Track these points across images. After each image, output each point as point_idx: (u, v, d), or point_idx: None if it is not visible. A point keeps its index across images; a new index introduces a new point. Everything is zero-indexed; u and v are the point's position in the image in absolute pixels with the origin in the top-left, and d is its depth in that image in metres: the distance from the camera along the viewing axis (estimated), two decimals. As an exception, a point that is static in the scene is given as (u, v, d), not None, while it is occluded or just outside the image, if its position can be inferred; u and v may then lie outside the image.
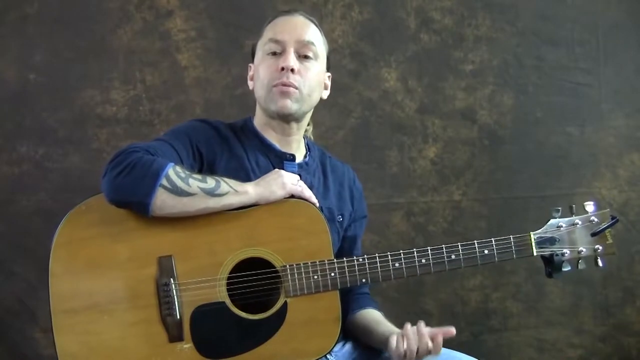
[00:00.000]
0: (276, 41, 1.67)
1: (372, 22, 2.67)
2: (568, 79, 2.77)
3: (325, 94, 1.79)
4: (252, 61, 1.76)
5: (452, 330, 1.54)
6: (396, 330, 1.61)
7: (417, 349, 1.52)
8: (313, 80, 1.69)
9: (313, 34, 1.69)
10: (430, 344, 1.51)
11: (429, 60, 2.71)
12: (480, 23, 2.73)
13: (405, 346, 1.51)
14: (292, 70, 1.64)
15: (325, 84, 1.77)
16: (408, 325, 1.54)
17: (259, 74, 1.70)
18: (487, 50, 2.73)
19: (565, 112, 2.78)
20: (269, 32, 1.70)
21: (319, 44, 1.70)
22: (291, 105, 1.66)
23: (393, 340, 1.53)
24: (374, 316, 1.75)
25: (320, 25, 1.75)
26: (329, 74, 1.79)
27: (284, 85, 1.64)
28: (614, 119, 2.80)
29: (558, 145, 2.78)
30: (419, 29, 2.70)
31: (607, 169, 2.80)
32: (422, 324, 1.54)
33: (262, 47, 1.70)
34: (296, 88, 1.65)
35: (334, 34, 2.62)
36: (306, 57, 1.67)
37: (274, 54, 1.67)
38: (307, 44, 1.67)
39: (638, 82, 2.80)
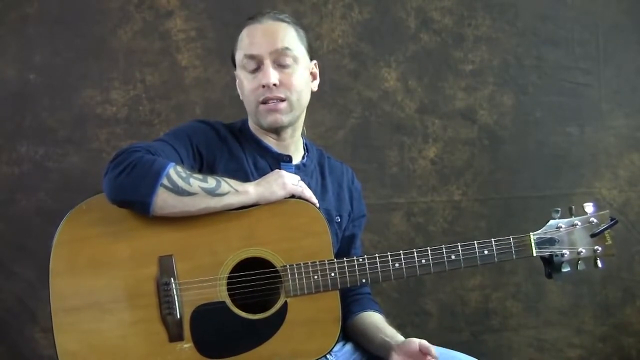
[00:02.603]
0: (251, 56, 1.64)
1: (372, 22, 2.67)
2: (568, 79, 2.77)
3: (315, 85, 1.76)
4: (234, 67, 1.73)
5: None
6: (397, 338, 1.61)
7: None
8: (298, 84, 1.66)
9: (286, 38, 1.65)
10: None
11: (429, 60, 2.71)
12: (480, 23, 2.73)
13: None
14: (275, 84, 1.62)
15: (312, 73, 1.74)
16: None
17: (243, 89, 1.68)
18: (487, 50, 2.73)
19: (565, 112, 2.77)
20: (243, 46, 1.66)
21: (295, 45, 1.66)
22: (282, 119, 1.65)
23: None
24: (374, 321, 1.73)
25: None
26: (314, 61, 1.75)
27: (270, 100, 1.63)
28: (614, 119, 2.80)
29: (558, 145, 2.78)
30: (419, 29, 2.70)
31: (607, 169, 2.80)
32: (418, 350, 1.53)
33: (240, 61, 1.67)
34: (283, 100, 1.64)
35: (334, 34, 2.62)
36: (285, 64, 1.64)
37: (253, 70, 1.64)
38: (283, 51, 1.63)
39: (638, 82, 2.80)
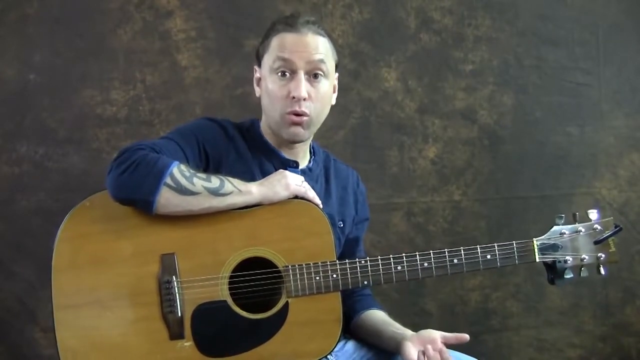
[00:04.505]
0: (284, 60, 1.61)
1: (372, 22, 2.67)
2: (568, 79, 2.77)
3: (334, 98, 1.76)
4: (257, 63, 1.71)
5: (466, 337, 1.56)
6: (407, 333, 1.62)
7: None
8: (324, 100, 1.66)
9: (323, 51, 1.64)
10: None
11: (429, 60, 2.71)
12: (480, 23, 2.73)
13: None
14: (305, 98, 1.62)
15: (334, 86, 1.73)
16: (430, 348, 1.54)
17: (267, 91, 1.66)
18: (487, 50, 2.73)
19: (565, 112, 2.78)
20: (276, 47, 1.63)
21: (329, 59, 1.66)
22: (303, 133, 1.65)
23: (411, 353, 1.54)
24: (381, 316, 1.75)
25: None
26: (336, 74, 1.75)
27: (296, 114, 1.62)
28: (614, 119, 2.80)
29: (558, 145, 2.78)
30: (419, 29, 2.70)
31: (607, 169, 2.80)
32: (439, 341, 1.55)
33: (270, 62, 1.64)
34: (308, 115, 1.63)
35: (334, 34, 2.61)
36: (316, 75, 1.63)
37: (283, 73, 1.63)
38: (318, 64, 1.63)
39: (638, 82, 2.81)
